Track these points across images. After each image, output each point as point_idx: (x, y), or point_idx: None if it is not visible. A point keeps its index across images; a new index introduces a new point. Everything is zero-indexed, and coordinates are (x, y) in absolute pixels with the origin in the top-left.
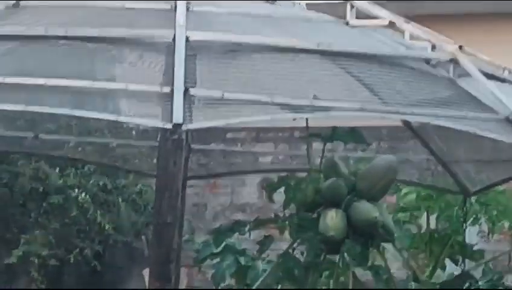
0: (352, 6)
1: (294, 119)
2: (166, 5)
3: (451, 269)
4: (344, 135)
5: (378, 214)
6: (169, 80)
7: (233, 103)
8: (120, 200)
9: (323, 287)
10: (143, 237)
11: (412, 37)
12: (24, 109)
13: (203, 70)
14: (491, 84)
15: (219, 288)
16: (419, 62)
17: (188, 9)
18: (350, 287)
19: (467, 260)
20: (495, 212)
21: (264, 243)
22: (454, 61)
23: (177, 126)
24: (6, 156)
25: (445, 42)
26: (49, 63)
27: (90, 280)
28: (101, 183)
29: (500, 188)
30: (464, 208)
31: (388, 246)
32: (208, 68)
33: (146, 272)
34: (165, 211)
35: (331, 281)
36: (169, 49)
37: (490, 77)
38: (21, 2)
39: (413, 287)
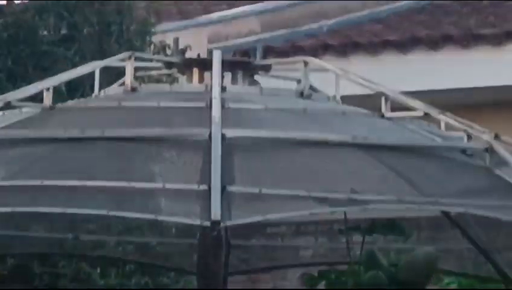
0: (386, 99)
1: (332, 213)
2: (201, 103)
3: None
4: (383, 228)
5: None
6: (206, 177)
7: (271, 199)
8: None
9: None
10: None
11: (447, 127)
12: (62, 211)
13: (240, 167)
14: None
15: None
16: (455, 152)
17: (223, 106)
18: None
19: None
20: None
21: None
22: (490, 150)
23: (216, 223)
24: (46, 257)
25: (480, 131)
26: (87, 164)
27: None
28: (142, 282)
29: None
30: None
31: None
32: (245, 164)
33: None
34: None
35: None
36: (206, 146)
37: None
38: (57, 105)
39: None
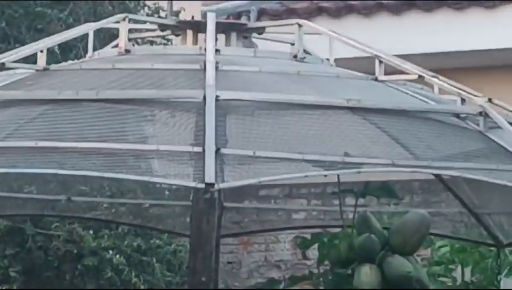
0: (380, 62)
1: (325, 176)
2: (195, 66)
3: None
4: (376, 190)
5: (412, 268)
6: (200, 139)
7: (265, 161)
8: (154, 260)
9: None
10: None
11: (440, 91)
12: (56, 172)
13: (234, 129)
14: None
15: None
16: (449, 116)
17: (217, 68)
18: None
19: None
20: None
21: None
22: (483, 113)
23: (209, 186)
24: (40, 219)
25: (473, 95)
26: (81, 126)
27: None
28: (135, 244)
29: None
30: (498, 260)
31: None
32: (239, 127)
33: None
34: (199, 270)
35: None
36: (200, 108)
37: None
38: (51, 66)
39: None
